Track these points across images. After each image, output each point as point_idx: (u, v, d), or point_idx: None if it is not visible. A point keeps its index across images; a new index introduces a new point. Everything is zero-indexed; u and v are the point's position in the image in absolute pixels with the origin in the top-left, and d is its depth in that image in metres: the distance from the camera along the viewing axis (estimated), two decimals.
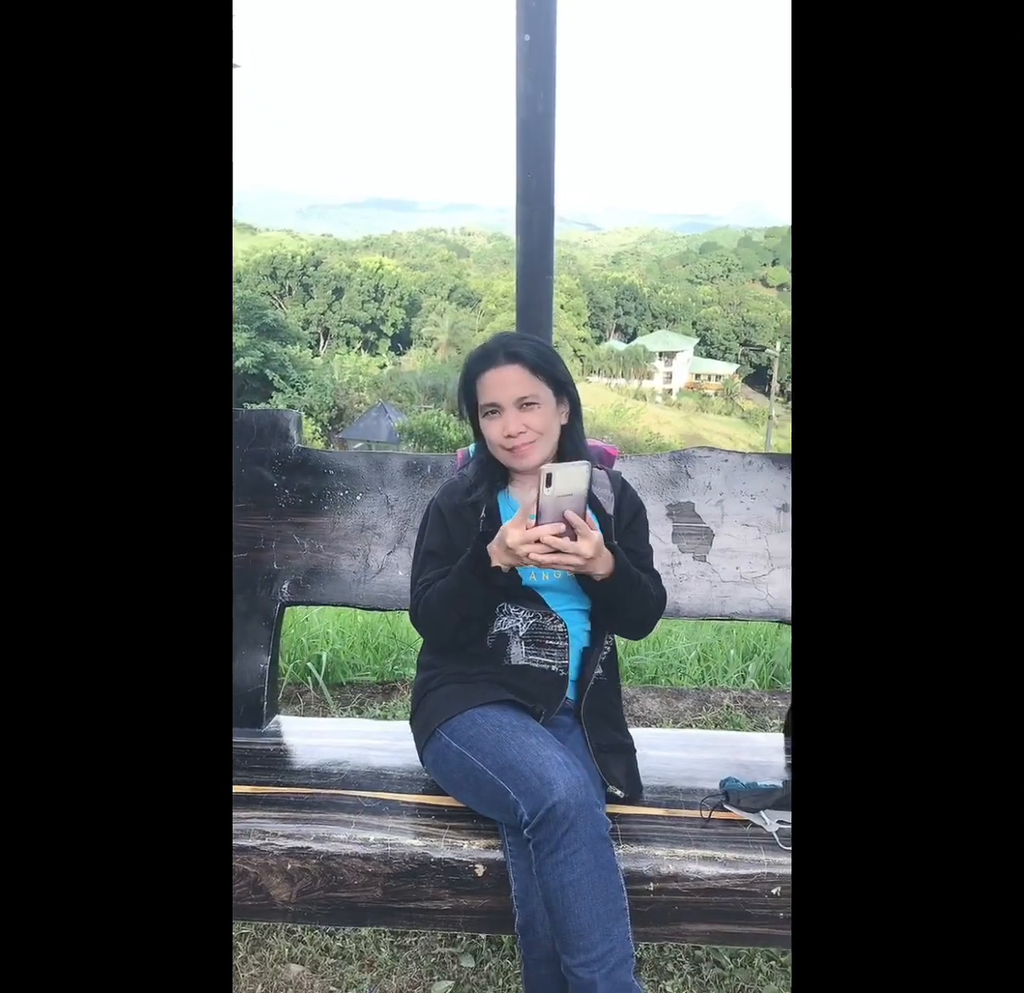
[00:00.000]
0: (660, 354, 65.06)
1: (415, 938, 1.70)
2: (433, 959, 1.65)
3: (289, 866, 1.30)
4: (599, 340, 72.35)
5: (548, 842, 1.15)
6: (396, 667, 2.94)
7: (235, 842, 1.31)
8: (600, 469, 1.52)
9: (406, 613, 1.58)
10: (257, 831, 1.32)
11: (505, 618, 1.42)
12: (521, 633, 1.41)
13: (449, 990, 1.57)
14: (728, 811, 1.39)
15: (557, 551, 1.23)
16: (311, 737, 1.72)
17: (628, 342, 70.36)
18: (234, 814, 1.36)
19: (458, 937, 1.70)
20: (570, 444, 1.46)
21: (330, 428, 36.98)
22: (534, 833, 1.17)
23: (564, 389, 1.44)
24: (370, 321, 64.66)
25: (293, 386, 37.80)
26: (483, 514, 1.42)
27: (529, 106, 2.01)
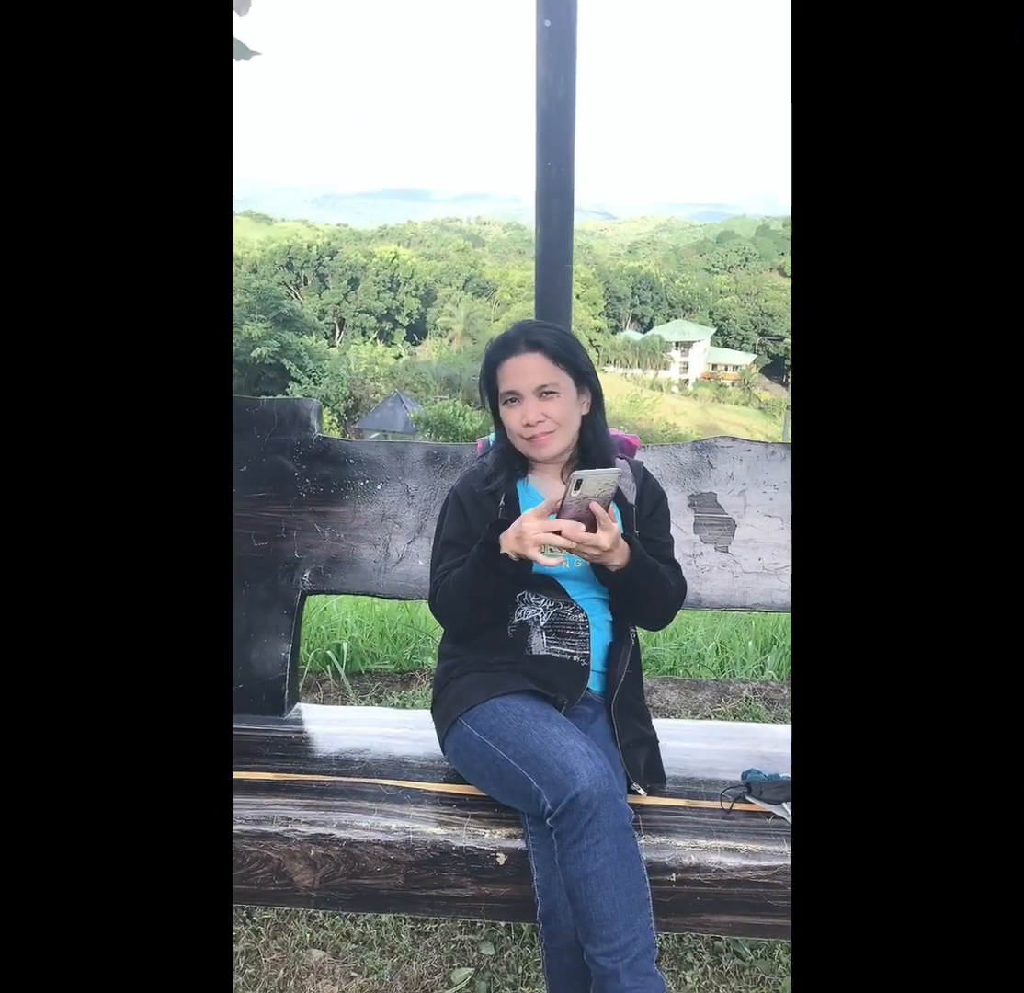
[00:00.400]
0: (676, 344, 64.76)
1: (436, 925, 1.71)
2: (453, 946, 1.66)
3: (312, 852, 1.31)
4: (615, 330, 72.08)
5: (571, 832, 1.15)
6: (414, 656, 2.94)
7: (259, 828, 1.32)
8: (622, 459, 1.51)
9: (424, 602, 1.58)
10: (280, 817, 1.33)
11: (526, 607, 1.42)
12: (542, 623, 1.41)
13: (469, 977, 1.58)
14: (750, 803, 1.39)
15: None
16: (332, 725, 1.73)
17: (644, 332, 70.06)
18: (258, 801, 1.37)
19: (478, 925, 1.71)
20: (591, 434, 1.45)
21: (346, 418, 37.08)
22: (557, 822, 1.17)
23: (585, 379, 1.43)
24: (386, 311, 64.73)
25: (309, 376, 37.93)
26: (502, 502, 1.42)
27: (549, 93, 1.99)
